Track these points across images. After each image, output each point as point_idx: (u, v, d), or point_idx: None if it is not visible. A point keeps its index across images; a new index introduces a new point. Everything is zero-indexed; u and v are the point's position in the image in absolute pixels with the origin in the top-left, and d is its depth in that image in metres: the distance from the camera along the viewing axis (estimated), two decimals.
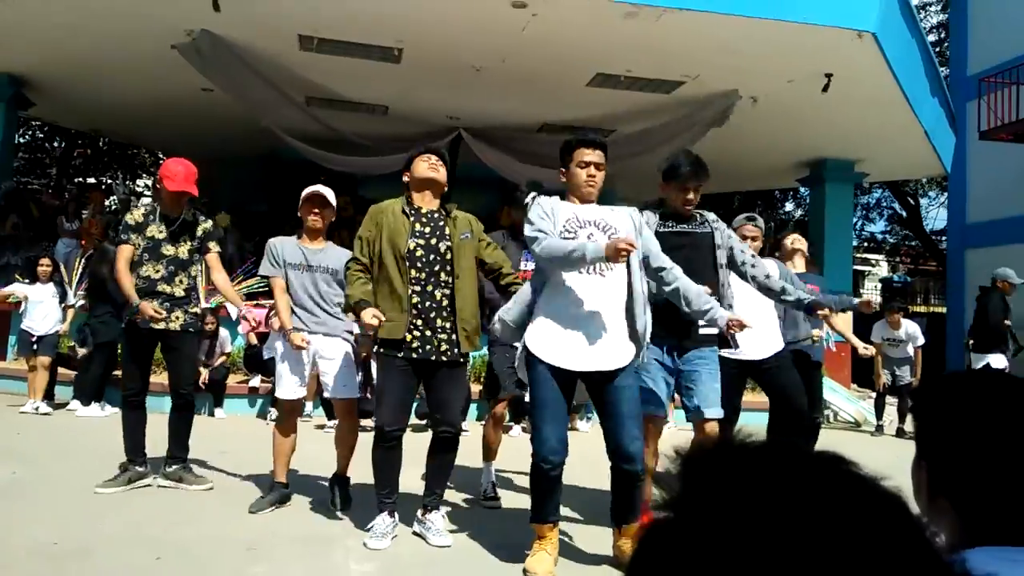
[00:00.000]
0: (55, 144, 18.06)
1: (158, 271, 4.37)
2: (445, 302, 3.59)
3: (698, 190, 3.73)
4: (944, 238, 18.06)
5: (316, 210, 4.16)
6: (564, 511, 3.74)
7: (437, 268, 3.60)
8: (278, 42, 7.58)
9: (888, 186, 19.31)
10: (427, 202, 3.72)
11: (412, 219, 3.65)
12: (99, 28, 7.52)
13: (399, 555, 3.48)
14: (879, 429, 8.37)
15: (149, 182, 18.05)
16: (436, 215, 3.71)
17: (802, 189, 16.95)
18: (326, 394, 4.29)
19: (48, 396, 7.18)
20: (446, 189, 3.81)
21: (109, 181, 18.42)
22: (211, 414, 7.29)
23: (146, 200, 16.33)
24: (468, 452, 4.39)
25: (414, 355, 3.56)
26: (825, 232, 11.40)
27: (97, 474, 4.34)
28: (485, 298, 4.17)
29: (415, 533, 3.71)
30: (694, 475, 0.50)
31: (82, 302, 7.62)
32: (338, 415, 4.33)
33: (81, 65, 8.69)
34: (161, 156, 17.18)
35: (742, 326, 3.30)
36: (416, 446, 4.06)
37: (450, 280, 3.61)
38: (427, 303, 3.57)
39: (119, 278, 4.38)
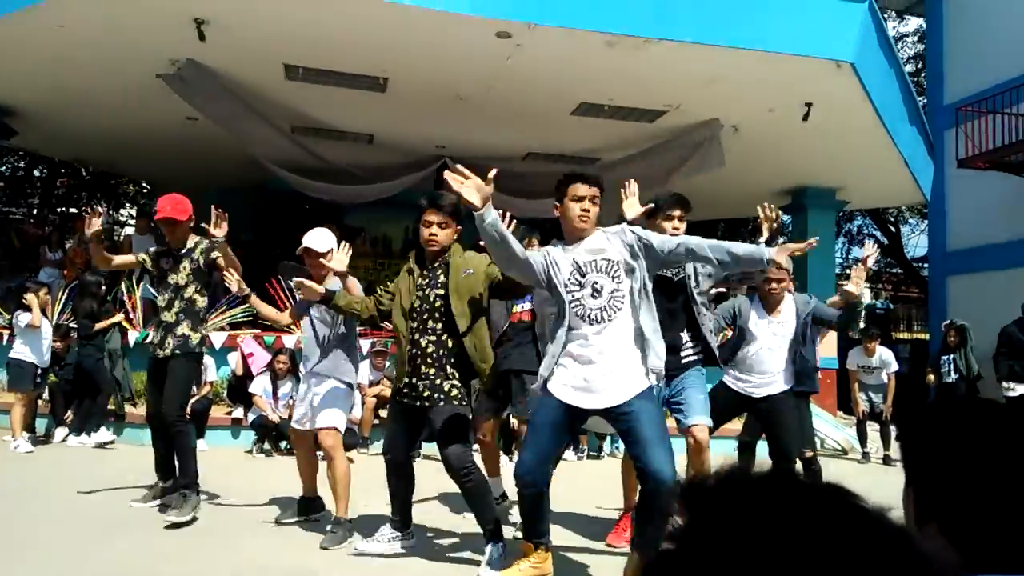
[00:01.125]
0: (37, 173, 17.94)
1: (163, 300, 4.60)
2: (431, 348, 3.68)
3: (682, 218, 3.89)
4: (926, 265, 18.23)
5: (312, 262, 4.27)
6: (555, 538, 3.71)
7: (426, 317, 3.71)
8: (263, 71, 7.61)
9: (869, 214, 19.52)
10: (431, 256, 3.80)
11: (415, 275, 3.80)
12: (84, 58, 7.50)
13: None
14: (865, 456, 8.36)
15: (133, 211, 17.93)
16: (436, 265, 3.78)
17: (785, 217, 17.09)
18: (307, 425, 4.27)
19: (30, 429, 7.04)
20: (456, 239, 3.81)
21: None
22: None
23: (129, 231, 16.20)
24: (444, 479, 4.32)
25: (405, 400, 3.77)
26: (808, 260, 11.46)
27: (82, 507, 4.25)
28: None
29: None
30: (698, 505, 0.49)
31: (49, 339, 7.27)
32: (324, 450, 4.22)
33: (65, 94, 8.65)
34: (145, 186, 17.10)
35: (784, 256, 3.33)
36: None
37: (438, 327, 3.68)
38: (414, 350, 3.71)
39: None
